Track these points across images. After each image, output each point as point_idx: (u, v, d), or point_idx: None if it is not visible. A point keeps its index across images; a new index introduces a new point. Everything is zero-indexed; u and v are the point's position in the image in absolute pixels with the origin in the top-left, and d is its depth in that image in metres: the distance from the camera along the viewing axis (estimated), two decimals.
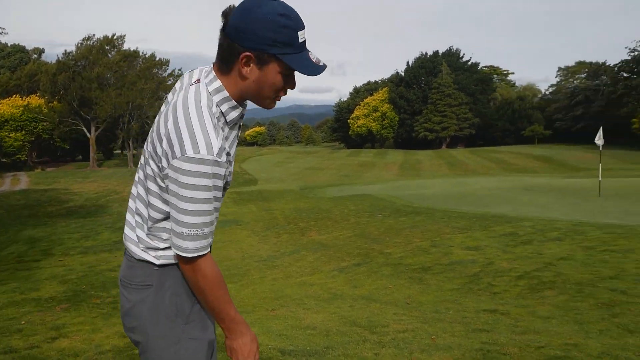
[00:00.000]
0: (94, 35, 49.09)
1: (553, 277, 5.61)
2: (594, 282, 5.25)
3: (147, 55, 50.87)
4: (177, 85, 1.55)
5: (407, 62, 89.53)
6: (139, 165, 1.57)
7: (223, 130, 1.42)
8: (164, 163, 1.35)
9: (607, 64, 76.38)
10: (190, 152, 1.28)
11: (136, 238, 1.49)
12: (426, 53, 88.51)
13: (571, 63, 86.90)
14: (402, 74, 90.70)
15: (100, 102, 44.79)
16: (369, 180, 32.98)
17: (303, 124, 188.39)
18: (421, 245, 8.07)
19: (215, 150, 1.31)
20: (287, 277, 7.47)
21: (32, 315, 5.81)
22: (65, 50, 48.14)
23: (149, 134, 1.52)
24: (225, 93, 1.42)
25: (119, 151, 69.03)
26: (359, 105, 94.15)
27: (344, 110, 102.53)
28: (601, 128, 15.28)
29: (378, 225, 10.60)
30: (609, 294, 4.83)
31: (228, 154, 1.41)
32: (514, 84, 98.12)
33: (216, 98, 1.41)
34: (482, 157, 53.66)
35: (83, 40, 48.41)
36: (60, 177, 37.10)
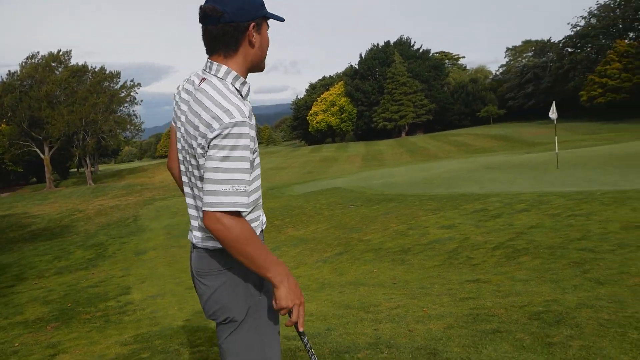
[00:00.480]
0: (38, 52, 47.68)
1: (526, 245, 5.97)
2: (564, 244, 5.63)
3: (96, 69, 49.69)
4: (181, 99, 1.74)
5: (360, 55, 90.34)
6: (181, 172, 1.76)
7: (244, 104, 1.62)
8: (205, 142, 1.54)
9: (552, 40, 79.01)
10: (226, 119, 1.49)
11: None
12: (378, 44, 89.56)
13: (518, 43, 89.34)
14: (356, 66, 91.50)
15: (52, 120, 43.52)
16: (334, 174, 33.28)
17: (261, 124, 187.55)
18: (398, 229, 8.37)
19: (247, 113, 1.54)
20: None
21: (24, 337, 5.80)
22: (9, 71, 46.58)
23: (178, 139, 1.73)
24: (234, 73, 1.64)
25: (75, 169, 67.24)
26: (316, 101, 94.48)
27: (301, 107, 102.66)
28: (554, 102, 15.97)
29: (353, 216, 10.87)
30: (579, 254, 5.20)
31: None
32: (466, 67, 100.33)
33: (229, 79, 1.63)
34: (441, 142, 54.81)
35: (27, 58, 46.94)
36: (16, 202, 35.98)
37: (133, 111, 52.00)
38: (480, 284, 4.93)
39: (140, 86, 51.49)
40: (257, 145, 1.67)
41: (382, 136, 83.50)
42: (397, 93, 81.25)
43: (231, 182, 1.49)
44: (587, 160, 16.02)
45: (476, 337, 3.41)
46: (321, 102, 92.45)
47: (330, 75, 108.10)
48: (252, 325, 1.71)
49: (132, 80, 51.04)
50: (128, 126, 51.86)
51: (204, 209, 1.52)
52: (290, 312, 1.62)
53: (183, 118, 1.70)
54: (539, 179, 12.27)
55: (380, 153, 52.39)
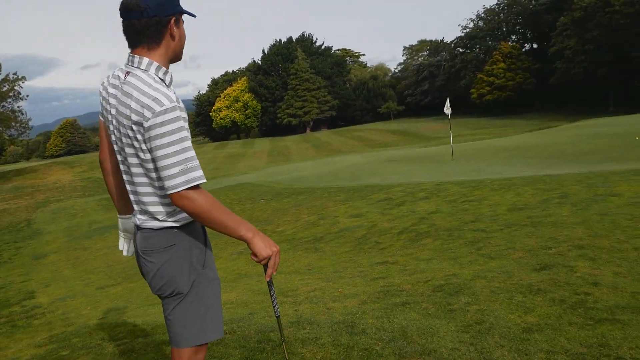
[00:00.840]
0: None
1: (427, 228, 6.52)
2: (460, 226, 6.23)
3: None
4: (108, 93, 1.86)
5: (263, 50, 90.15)
6: (119, 162, 1.88)
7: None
8: (142, 130, 1.68)
9: (445, 41, 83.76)
10: (157, 108, 1.65)
11: (153, 214, 1.80)
12: (280, 40, 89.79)
13: (414, 42, 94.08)
14: (259, 62, 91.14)
15: None
16: (242, 170, 33.15)
17: None
18: (309, 220, 8.69)
19: (174, 98, 1.71)
20: None
21: None
22: None
23: (111, 131, 1.85)
24: (157, 64, 1.80)
25: None
26: (220, 97, 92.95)
27: (204, 103, 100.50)
28: (448, 99, 17.13)
29: (264, 209, 11.05)
30: (473, 234, 5.80)
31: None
32: (366, 64, 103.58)
33: (152, 70, 1.79)
34: (345, 137, 56.37)
35: None
36: None
37: (18, 107, 47.92)
38: (389, 265, 5.35)
39: (25, 80, 47.50)
40: (187, 124, 1.83)
41: (287, 132, 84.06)
42: (300, 89, 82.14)
43: (184, 162, 1.65)
44: (478, 152, 17.41)
45: (388, 309, 3.76)
46: (224, 97, 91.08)
47: (233, 71, 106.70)
48: (195, 297, 1.88)
49: (15, 74, 46.96)
50: (12, 124, 47.75)
51: (169, 192, 1.66)
52: (266, 265, 1.80)
53: (113, 111, 1.82)
54: (437, 170, 13.19)
55: (286, 149, 52.81)
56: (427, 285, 4.25)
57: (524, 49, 72.07)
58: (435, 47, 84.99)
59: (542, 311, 3.42)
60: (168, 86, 1.81)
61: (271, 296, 2.03)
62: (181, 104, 1.75)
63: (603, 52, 52.83)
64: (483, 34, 72.86)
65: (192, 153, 1.68)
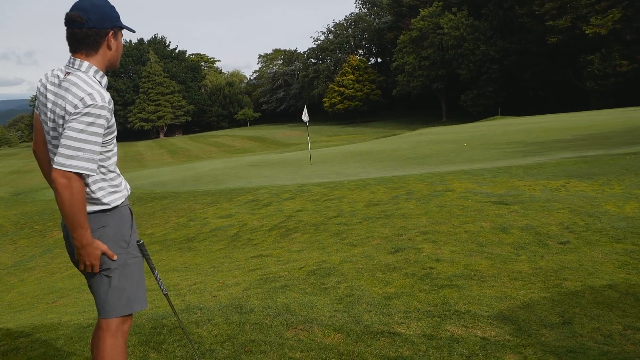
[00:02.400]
0: None
1: (295, 224, 7.08)
2: (325, 221, 6.89)
3: None
4: (46, 89, 2.09)
5: None
6: (50, 150, 2.09)
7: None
8: (69, 117, 1.94)
9: (298, 51, 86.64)
10: (89, 102, 1.95)
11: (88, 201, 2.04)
12: (131, 41, 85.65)
13: (269, 50, 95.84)
14: None
15: None
16: None
17: None
18: (179, 222, 8.78)
19: (107, 99, 2.02)
20: (52, 274, 7.30)
21: None
22: None
23: (43, 126, 2.08)
24: (95, 67, 2.10)
25: None
26: None
27: None
28: (305, 107, 18.07)
29: None
30: (337, 227, 6.49)
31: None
32: (221, 70, 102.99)
33: (90, 72, 2.10)
34: (202, 143, 55.55)
35: None
36: None
37: None
38: (264, 257, 5.79)
39: None
40: (113, 122, 2.10)
41: (139, 137, 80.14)
42: (153, 93, 79.09)
43: (82, 150, 1.92)
44: (333, 157, 18.64)
45: (270, 291, 4.20)
46: None
47: None
48: (123, 272, 2.17)
49: None
50: None
51: (56, 166, 1.90)
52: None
53: (49, 105, 2.05)
54: (297, 173, 13.95)
55: (139, 154, 50.48)
56: (301, 271, 4.78)
57: (370, 62, 77.57)
58: (289, 56, 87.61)
59: (398, 283, 4.14)
60: (103, 87, 2.08)
61: (155, 277, 2.37)
62: (111, 106, 2.04)
63: (437, 68, 59.08)
64: (333, 46, 76.96)
65: (95, 148, 1.95)
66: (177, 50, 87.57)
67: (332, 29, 78.86)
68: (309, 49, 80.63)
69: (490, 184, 8.01)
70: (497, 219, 5.90)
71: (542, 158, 11.38)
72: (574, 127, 20.54)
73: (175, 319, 3.73)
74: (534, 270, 4.33)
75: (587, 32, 45.15)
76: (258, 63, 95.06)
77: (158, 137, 79.01)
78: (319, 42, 79.30)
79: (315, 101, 71.41)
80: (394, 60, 64.92)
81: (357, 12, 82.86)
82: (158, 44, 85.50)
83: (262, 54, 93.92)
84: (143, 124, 78.95)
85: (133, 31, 2.27)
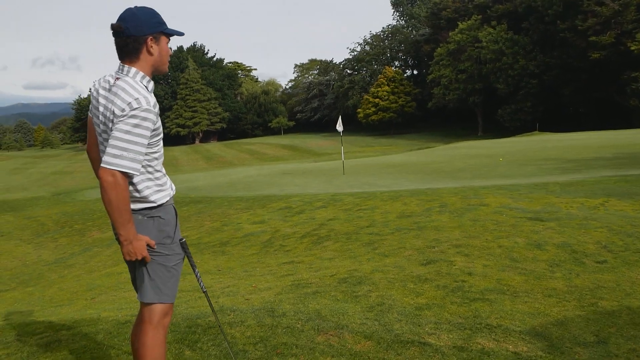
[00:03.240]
0: None
1: (327, 233, 7.14)
2: (357, 231, 6.93)
3: None
4: (98, 93, 2.22)
5: None
6: (102, 150, 2.22)
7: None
8: (116, 119, 2.07)
9: (334, 61, 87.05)
10: (135, 105, 2.06)
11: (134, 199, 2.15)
12: (170, 48, 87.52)
13: (305, 60, 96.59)
14: None
15: None
16: None
17: (34, 124, 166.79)
18: (213, 226, 8.95)
19: (152, 103, 2.13)
20: (90, 272, 7.55)
21: None
22: None
23: (95, 127, 2.20)
24: (141, 73, 2.22)
25: None
26: None
27: (85, 108, 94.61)
28: (340, 117, 18.15)
29: None
30: (369, 237, 6.52)
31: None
32: (257, 79, 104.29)
33: (137, 78, 2.21)
34: (236, 150, 56.28)
35: None
36: None
37: None
38: (295, 264, 5.87)
39: None
40: (160, 125, 2.21)
41: (174, 142, 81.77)
42: (190, 99, 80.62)
43: (128, 151, 2.04)
44: (366, 168, 18.64)
45: (301, 297, 4.27)
46: None
47: None
48: (162, 265, 2.27)
49: None
50: None
51: (102, 165, 2.02)
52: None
53: (101, 108, 2.18)
54: (330, 183, 14.02)
55: (175, 159, 51.51)
56: (332, 279, 4.82)
57: (405, 74, 77.32)
58: (325, 66, 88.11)
59: (429, 294, 4.14)
60: (150, 92, 2.20)
61: (195, 274, 2.47)
62: (156, 110, 2.15)
63: (473, 82, 58.45)
64: (369, 57, 77.05)
65: (140, 149, 2.06)
66: (215, 58, 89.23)
67: (369, 40, 79.00)
68: (345, 60, 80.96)
69: (526, 199, 7.90)
70: (532, 235, 5.82)
71: (580, 175, 11.14)
72: (615, 145, 20.01)
73: (211, 318, 3.83)
74: (569, 287, 4.26)
75: (632, 48, 43.97)
76: (294, 72, 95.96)
77: (194, 142, 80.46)
78: (355, 53, 79.54)
79: (350, 112, 71.49)
80: (430, 72, 64.54)
81: (395, 24, 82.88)
82: (197, 52, 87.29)
83: (298, 63, 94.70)
84: (179, 129, 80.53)
85: (181, 34, 2.36)
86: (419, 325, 3.49)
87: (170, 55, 2.34)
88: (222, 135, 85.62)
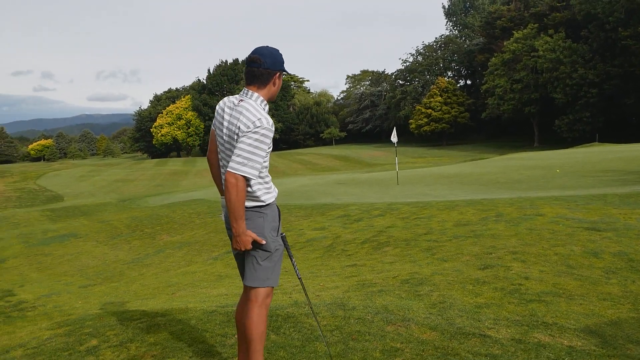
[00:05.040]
0: None
1: (387, 239, 7.52)
2: (415, 237, 7.27)
3: None
4: (224, 111, 2.73)
5: (209, 70, 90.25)
6: (222, 159, 2.72)
7: None
8: (242, 134, 2.56)
9: (386, 72, 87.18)
10: (258, 124, 2.57)
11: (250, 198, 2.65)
12: (226, 61, 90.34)
13: (357, 71, 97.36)
14: (204, 81, 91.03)
15: None
16: (188, 188, 33.24)
17: (97, 134, 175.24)
18: None
19: (270, 122, 2.62)
20: (166, 270, 8.23)
21: None
22: None
23: (217, 139, 2.71)
24: (262, 98, 2.74)
25: None
26: (162, 113, 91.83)
27: (145, 119, 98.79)
28: (395, 128, 18.46)
29: None
30: (427, 243, 6.85)
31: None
32: (310, 90, 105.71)
33: (258, 101, 2.73)
34: (289, 160, 57.33)
35: None
36: None
37: None
38: (358, 267, 6.28)
39: None
40: (271, 143, 2.70)
41: None
42: None
43: (250, 160, 2.54)
44: (420, 178, 18.84)
45: (368, 295, 4.68)
46: (167, 114, 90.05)
47: (176, 88, 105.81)
48: (270, 254, 2.75)
49: None
50: None
51: (229, 169, 2.53)
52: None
53: (225, 123, 2.70)
54: (385, 193, 14.36)
55: None
56: (395, 280, 5.21)
57: (458, 85, 76.51)
58: (376, 77, 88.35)
59: (488, 295, 4.46)
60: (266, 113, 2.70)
61: (292, 263, 2.93)
62: (273, 129, 2.63)
63: (529, 92, 57.21)
64: (422, 68, 76.77)
65: (260, 160, 2.57)
66: None
67: (421, 50, 78.74)
68: (397, 71, 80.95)
69: (583, 210, 8.00)
70: (588, 244, 6.00)
71: None
72: None
73: (289, 309, 4.30)
74: (624, 293, 4.48)
75: None
76: (346, 83, 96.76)
77: None
78: (408, 63, 79.43)
79: (402, 122, 71.35)
80: (484, 82, 63.64)
81: (448, 33, 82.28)
82: None
83: (350, 74, 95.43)
84: None
85: (289, 74, 2.89)
86: (479, 321, 3.83)
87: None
88: (275, 145, 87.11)
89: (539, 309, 4.09)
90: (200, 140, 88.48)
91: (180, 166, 57.39)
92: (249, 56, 2.71)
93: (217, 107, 2.83)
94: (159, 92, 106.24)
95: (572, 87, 52.56)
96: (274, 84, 2.74)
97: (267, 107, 2.72)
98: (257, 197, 2.68)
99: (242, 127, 2.57)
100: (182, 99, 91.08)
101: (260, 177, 2.70)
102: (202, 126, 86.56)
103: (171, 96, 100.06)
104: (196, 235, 10.93)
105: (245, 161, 2.52)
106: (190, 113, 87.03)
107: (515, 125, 65.69)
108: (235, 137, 2.60)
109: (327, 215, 10.23)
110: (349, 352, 3.28)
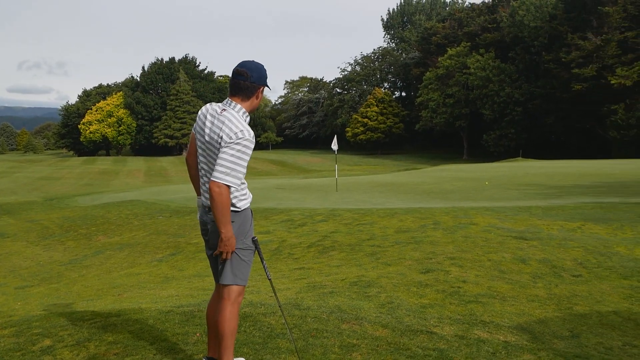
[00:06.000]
0: None
1: (332, 244, 7.80)
2: (359, 242, 7.60)
3: None
4: (205, 117, 2.89)
5: (143, 67, 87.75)
6: (201, 162, 2.87)
7: None
8: (224, 144, 2.72)
9: (324, 80, 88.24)
10: (240, 135, 2.75)
11: None
12: (162, 59, 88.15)
13: (296, 77, 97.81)
14: (138, 78, 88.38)
15: None
16: (119, 188, 32.17)
17: (18, 128, 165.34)
18: None
19: (252, 134, 2.81)
20: (109, 272, 8.08)
21: None
22: None
23: (198, 143, 2.86)
24: (244, 109, 2.92)
25: None
26: (91, 109, 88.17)
27: (72, 114, 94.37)
28: (335, 136, 18.91)
29: (168, 224, 11.61)
30: (371, 248, 7.19)
31: None
32: None
33: (240, 113, 2.91)
34: None
35: None
36: None
37: None
38: (306, 269, 6.51)
39: None
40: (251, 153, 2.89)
41: (161, 153, 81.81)
42: (180, 111, 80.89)
43: (233, 170, 2.72)
44: (358, 185, 19.38)
45: (320, 296, 4.91)
46: (97, 111, 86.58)
47: (108, 84, 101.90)
48: (239, 255, 2.92)
49: None
50: None
51: (213, 179, 2.69)
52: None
53: (207, 130, 2.85)
54: (325, 199, 14.70)
55: (163, 169, 51.78)
56: (344, 282, 5.48)
57: (394, 96, 78.80)
58: (315, 84, 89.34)
59: (431, 297, 4.82)
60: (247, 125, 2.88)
61: (263, 266, 3.14)
62: (254, 140, 2.81)
63: (460, 107, 59.97)
64: (359, 78, 78.50)
65: (242, 170, 2.75)
66: (206, 71, 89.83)
67: (360, 60, 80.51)
68: (336, 79, 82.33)
69: (511, 220, 8.67)
70: (517, 251, 6.56)
71: (561, 201, 11.98)
72: (594, 174, 21.05)
73: (246, 309, 4.45)
74: (549, 295, 4.99)
75: (612, 82, 45.77)
76: (284, 89, 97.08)
77: (181, 153, 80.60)
78: (346, 72, 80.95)
79: (338, 130, 72.48)
80: (418, 95, 66.03)
81: (385, 46, 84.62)
82: (188, 64, 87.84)
83: (289, 80, 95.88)
84: (167, 140, 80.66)
85: (269, 89, 3.07)
86: (425, 319, 4.16)
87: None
88: None
89: (477, 309, 4.49)
90: (131, 139, 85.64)
91: (110, 165, 55.33)
92: (236, 69, 2.87)
93: (200, 112, 2.97)
94: (88, 87, 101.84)
95: (500, 104, 55.68)
96: (257, 97, 2.92)
97: (248, 119, 2.90)
98: (233, 204, 2.85)
99: (224, 137, 2.73)
100: (114, 96, 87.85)
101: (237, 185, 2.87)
102: (135, 125, 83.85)
103: (102, 92, 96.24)
104: (137, 237, 10.74)
105: (229, 171, 2.68)
106: (122, 111, 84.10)
107: (446, 138, 68.53)
108: (217, 144, 2.76)
109: (271, 220, 10.39)
110: (310, 348, 3.50)
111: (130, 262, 8.61)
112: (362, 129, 70.18)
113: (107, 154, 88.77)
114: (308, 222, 9.82)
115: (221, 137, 2.74)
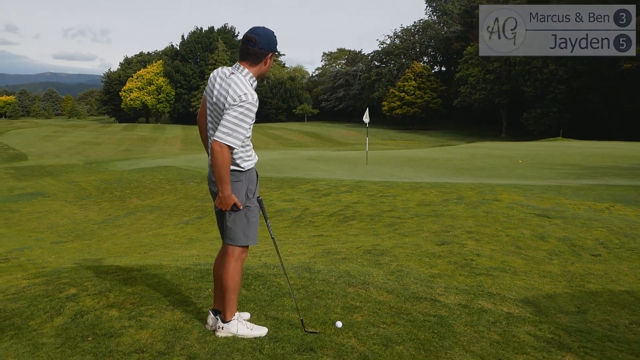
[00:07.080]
0: None
1: (353, 214, 7.89)
2: (380, 213, 7.67)
3: None
4: (215, 80, 2.97)
5: (182, 36, 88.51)
6: (209, 122, 2.97)
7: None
8: (229, 106, 2.81)
9: (362, 52, 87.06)
10: (244, 98, 2.83)
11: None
12: (202, 28, 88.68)
13: (334, 49, 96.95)
14: (177, 47, 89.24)
15: None
16: (157, 154, 32.96)
17: (62, 94, 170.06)
18: None
19: (255, 97, 2.88)
20: (138, 232, 8.42)
21: None
22: None
23: (207, 105, 2.96)
24: (251, 74, 2.99)
25: None
26: (132, 77, 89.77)
27: (114, 82, 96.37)
28: (367, 109, 18.79)
29: (198, 190, 11.92)
30: (390, 219, 7.25)
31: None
32: (285, 64, 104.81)
33: (248, 77, 2.96)
34: (259, 134, 57.07)
35: None
36: None
37: None
38: (324, 237, 6.64)
39: None
40: (254, 116, 2.97)
41: None
42: None
43: (234, 130, 2.80)
44: (389, 159, 19.31)
45: (332, 261, 5.03)
46: (137, 79, 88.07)
47: (148, 52, 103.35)
48: (245, 214, 3.04)
49: None
50: None
51: (215, 138, 2.79)
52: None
53: (215, 92, 2.94)
54: (353, 171, 14.75)
55: (199, 138, 52.57)
56: (358, 250, 5.58)
57: (433, 71, 77.19)
58: (353, 57, 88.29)
59: (441, 267, 4.88)
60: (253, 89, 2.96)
61: (267, 225, 3.24)
62: (257, 104, 2.89)
63: (501, 83, 58.34)
64: (398, 51, 77.09)
65: (243, 132, 2.83)
66: None
67: (399, 33, 78.96)
68: (374, 52, 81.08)
69: (538, 198, 8.55)
70: (537, 229, 6.50)
71: (594, 182, 11.70)
72: (634, 156, 20.35)
73: (259, 270, 4.62)
74: (563, 272, 4.97)
75: None
76: (322, 60, 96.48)
77: None
78: (385, 45, 79.60)
79: (375, 104, 71.74)
80: (458, 70, 64.51)
81: (427, 18, 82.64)
82: (227, 34, 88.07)
83: (327, 52, 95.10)
84: None
85: (281, 54, 3.13)
86: (432, 288, 4.23)
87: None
88: None
89: (485, 281, 4.52)
90: (170, 107, 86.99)
91: (149, 132, 56.50)
92: (246, 34, 2.94)
93: (211, 75, 3.06)
94: (129, 55, 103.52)
95: (542, 81, 53.85)
96: (265, 64, 2.98)
97: (255, 84, 2.97)
98: (236, 163, 2.95)
99: (229, 99, 2.82)
100: (154, 64, 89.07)
101: (241, 146, 2.97)
102: (173, 93, 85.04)
103: (142, 60, 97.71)
104: (167, 200, 11.10)
105: (230, 132, 2.78)
106: (161, 79, 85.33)
107: (484, 115, 67.02)
108: (222, 106, 2.85)
109: (297, 189, 10.54)
110: (313, 307, 3.63)
111: (158, 224, 8.94)
112: (398, 103, 69.25)
113: (147, 121, 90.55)
114: (332, 192, 9.92)
115: (226, 99, 2.83)
